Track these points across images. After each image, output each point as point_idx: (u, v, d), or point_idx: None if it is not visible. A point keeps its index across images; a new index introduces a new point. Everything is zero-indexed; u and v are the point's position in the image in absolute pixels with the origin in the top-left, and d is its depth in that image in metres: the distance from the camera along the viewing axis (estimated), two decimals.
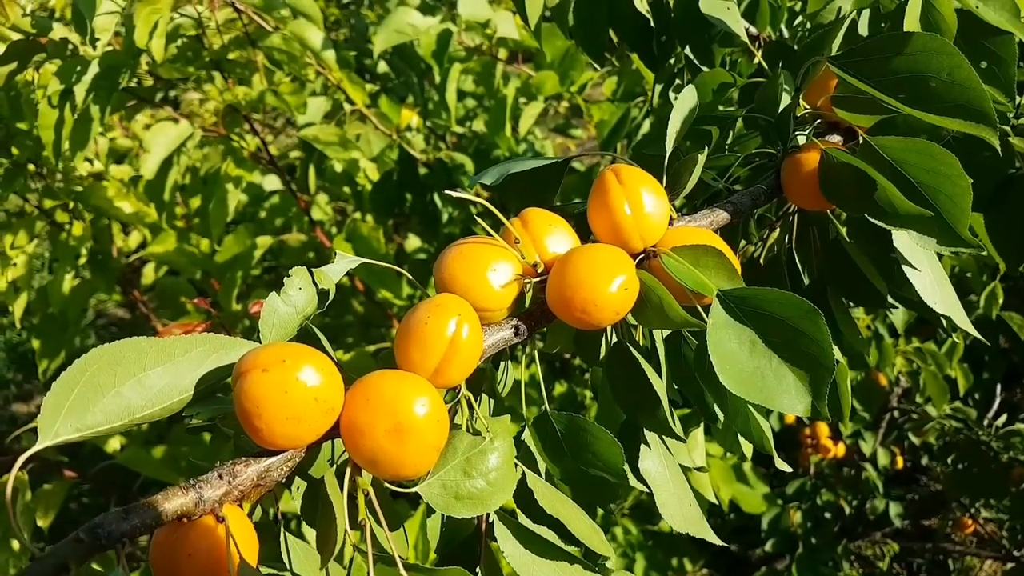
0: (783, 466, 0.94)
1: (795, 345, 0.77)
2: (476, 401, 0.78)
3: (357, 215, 2.78)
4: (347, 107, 2.39)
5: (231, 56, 2.06)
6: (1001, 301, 2.24)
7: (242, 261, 2.59)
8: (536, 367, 0.84)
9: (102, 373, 0.67)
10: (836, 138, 1.07)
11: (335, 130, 2.20)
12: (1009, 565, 3.48)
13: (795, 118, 0.99)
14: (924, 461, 3.65)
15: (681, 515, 0.86)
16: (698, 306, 0.81)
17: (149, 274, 2.74)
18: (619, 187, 0.82)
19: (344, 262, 0.80)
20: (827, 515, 3.22)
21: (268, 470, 0.70)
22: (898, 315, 2.30)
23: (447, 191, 0.74)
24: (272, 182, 2.85)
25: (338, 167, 2.58)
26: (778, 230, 1.18)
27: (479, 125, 2.89)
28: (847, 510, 3.26)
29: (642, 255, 0.84)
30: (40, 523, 1.96)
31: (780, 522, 3.12)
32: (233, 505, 0.69)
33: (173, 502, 0.65)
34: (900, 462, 3.28)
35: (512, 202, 0.91)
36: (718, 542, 0.89)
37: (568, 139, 3.56)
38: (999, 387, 3.23)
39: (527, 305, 0.81)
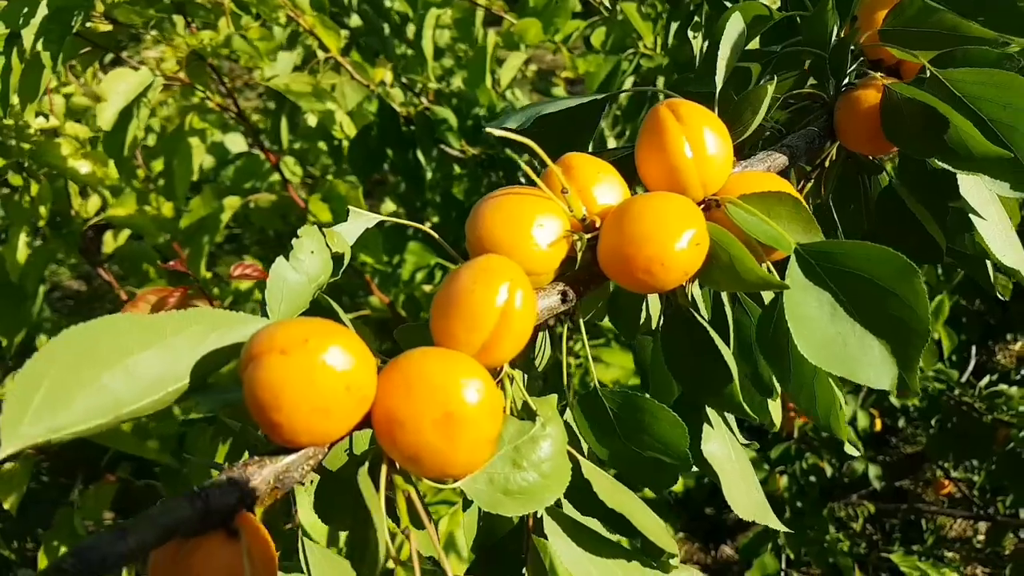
0: (852, 451, 0.84)
1: (884, 308, 0.67)
2: (522, 379, 0.67)
3: (330, 177, 2.62)
4: (320, 54, 2.22)
5: None
6: None
7: (210, 224, 2.39)
8: (584, 338, 0.72)
9: (80, 360, 0.55)
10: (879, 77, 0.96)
11: (308, 79, 2.03)
12: (981, 524, 3.60)
13: (852, 52, 0.88)
14: (900, 423, 3.65)
15: (749, 502, 0.76)
16: (769, 264, 0.70)
17: (109, 241, 2.56)
18: (678, 125, 0.71)
19: (360, 220, 0.69)
20: (812, 479, 3.17)
21: (287, 470, 0.58)
22: None
23: (489, 128, 0.62)
24: (236, 141, 2.67)
25: (312, 120, 2.43)
26: (812, 182, 1.08)
27: (457, 82, 2.73)
28: (829, 473, 3.23)
29: (702, 205, 0.72)
30: (6, 506, 1.81)
31: (766, 486, 3.06)
32: (247, 514, 0.57)
33: (176, 514, 0.53)
34: (879, 424, 3.26)
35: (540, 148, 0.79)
36: (783, 528, 0.79)
37: (545, 97, 3.41)
38: (974, 349, 3.21)
39: (577, 266, 0.69)
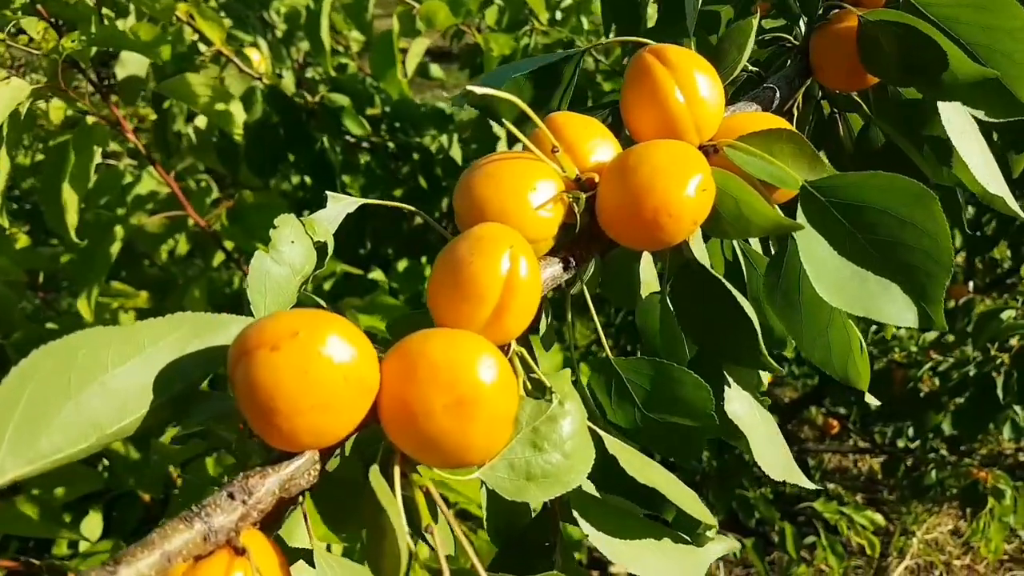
0: (873, 401, 0.82)
1: (901, 240, 0.65)
2: (531, 355, 0.62)
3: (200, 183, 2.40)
4: (204, 49, 2.10)
5: None
6: None
7: (100, 256, 2.08)
8: (594, 317, 0.68)
9: (52, 381, 0.51)
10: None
11: (205, 79, 1.90)
12: (854, 455, 4.00)
13: None
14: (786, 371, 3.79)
15: (778, 462, 0.74)
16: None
17: None
18: (665, 71, 0.68)
19: (339, 205, 0.64)
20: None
21: (292, 478, 0.54)
22: None
23: (470, 86, 0.58)
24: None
25: (201, 122, 2.30)
26: None
27: (328, 66, 2.58)
28: None
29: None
30: None
31: None
32: (253, 530, 0.52)
33: (175, 540, 0.49)
34: (769, 376, 3.34)
35: (508, 114, 0.75)
36: (813, 486, 0.76)
37: (428, 81, 3.27)
38: None
39: (578, 229, 0.65)
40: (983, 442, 3.84)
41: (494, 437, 0.55)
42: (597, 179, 0.65)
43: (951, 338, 3.14)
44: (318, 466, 0.54)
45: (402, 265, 2.44)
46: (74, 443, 0.50)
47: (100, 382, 0.51)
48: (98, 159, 2.07)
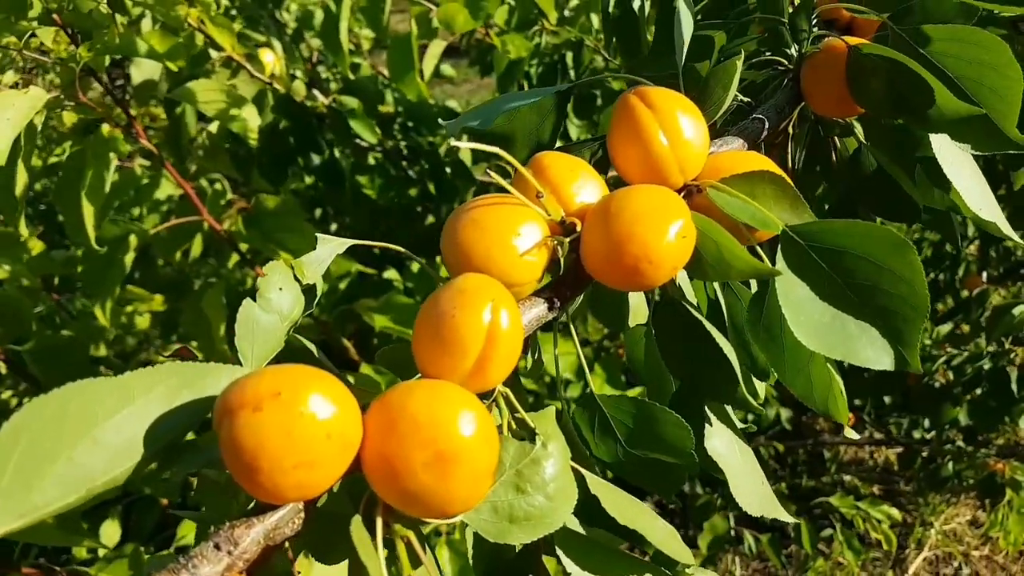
0: (851, 434, 0.83)
1: (879, 286, 0.66)
2: (515, 397, 0.64)
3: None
4: (215, 54, 2.13)
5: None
6: None
7: (117, 262, 2.08)
8: (576, 343, 0.70)
9: (45, 434, 0.52)
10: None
11: (219, 85, 1.91)
12: (888, 449, 3.96)
13: (811, 14, 0.86)
14: None
15: (757, 499, 0.75)
16: (756, 247, 0.68)
17: None
18: (649, 113, 0.69)
19: (328, 246, 0.65)
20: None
21: (276, 527, 0.56)
22: None
23: (452, 142, 0.59)
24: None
25: (214, 127, 2.31)
26: (775, 148, 1.06)
27: (345, 68, 2.57)
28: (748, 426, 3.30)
29: (682, 192, 0.70)
30: None
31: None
32: None
33: None
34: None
35: (502, 148, 0.76)
36: (793, 520, 0.77)
37: (437, 78, 3.25)
38: None
39: (562, 271, 0.66)
40: (1000, 432, 3.84)
41: (475, 490, 0.56)
42: (579, 227, 0.66)
43: (966, 328, 3.12)
44: (302, 515, 0.56)
45: (416, 265, 2.46)
46: (65, 496, 0.51)
47: (92, 436, 0.52)
48: (116, 163, 2.10)
